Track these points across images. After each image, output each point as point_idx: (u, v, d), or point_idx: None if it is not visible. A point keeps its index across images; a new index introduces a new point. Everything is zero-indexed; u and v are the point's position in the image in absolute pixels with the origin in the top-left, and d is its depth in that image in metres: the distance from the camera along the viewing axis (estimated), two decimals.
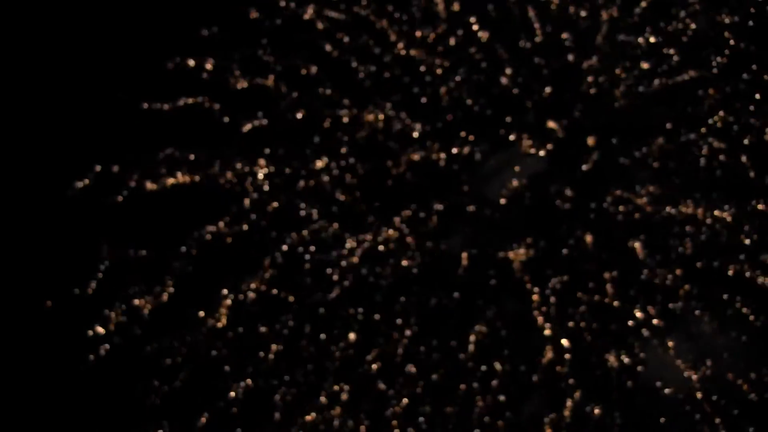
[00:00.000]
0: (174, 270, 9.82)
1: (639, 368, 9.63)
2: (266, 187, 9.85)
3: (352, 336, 10.05)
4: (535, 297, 9.79)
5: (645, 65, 9.90)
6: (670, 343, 9.62)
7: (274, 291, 9.99)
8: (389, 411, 9.95)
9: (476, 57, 10.07)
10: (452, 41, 9.98)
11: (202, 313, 9.82)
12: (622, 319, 9.81)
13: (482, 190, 10.37)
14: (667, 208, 9.90)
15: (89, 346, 9.84)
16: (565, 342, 9.63)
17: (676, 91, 9.95)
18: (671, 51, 10.07)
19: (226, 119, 9.84)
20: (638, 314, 9.77)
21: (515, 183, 10.30)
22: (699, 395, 9.46)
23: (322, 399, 9.94)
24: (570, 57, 9.98)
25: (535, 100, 10.12)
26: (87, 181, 9.71)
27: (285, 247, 10.07)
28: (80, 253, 9.72)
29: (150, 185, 9.71)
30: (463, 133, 10.14)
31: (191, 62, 9.71)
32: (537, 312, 9.72)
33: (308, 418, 9.91)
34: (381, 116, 10.04)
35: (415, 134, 10.03)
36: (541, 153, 9.95)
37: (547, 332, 9.69)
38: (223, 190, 9.93)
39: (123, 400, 9.91)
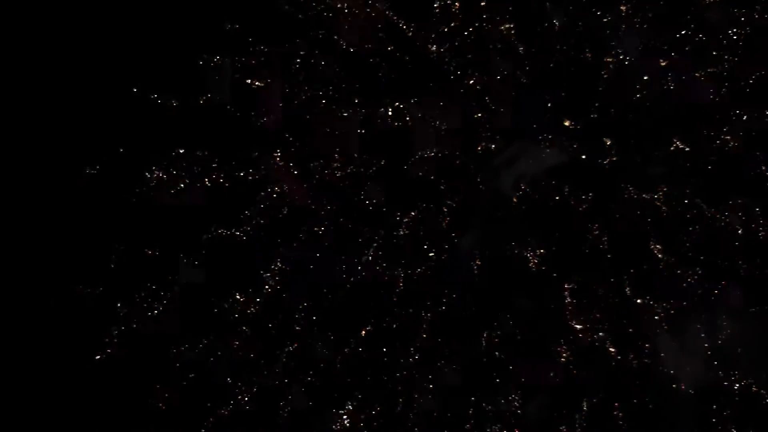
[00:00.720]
0: (184, 270, 9.67)
1: (657, 367, 9.57)
2: (283, 185, 9.69)
3: (363, 333, 9.94)
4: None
5: (662, 62, 9.78)
6: (688, 342, 9.58)
7: (284, 294, 9.84)
8: (401, 410, 9.85)
9: (493, 53, 9.92)
10: (470, 37, 9.81)
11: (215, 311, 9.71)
12: (639, 318, 9.74)
13: (497, 188, 10.23)
14: (683, 207, 9.85)
15: (95, 346, 9.68)
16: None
17: (693, 88, 9.85)
18: (687, 48, 9.98)
19: (240, 116, 9.67)
20: (655, 313, 9.69)
21: (530, 181, 10.16)
22: (714, 394, 9.46)
23: (334, 398, 9.85)
24: (588, 53, 9.85)
25: (552, 97, 9.98)
26: (93, 170, 9.54)
27: (296, 245, 9.95)
28: (88, 251, 9.56)
29: (161, 184, 9.53)
30: (482, 131, 10.00)
31: (206, 59, 9.52)
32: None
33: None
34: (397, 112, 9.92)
35: (442, 131, 9.89)
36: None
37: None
38: (235, 188, 9.76)
39: (128, 402, 9.75)
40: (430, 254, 10.14)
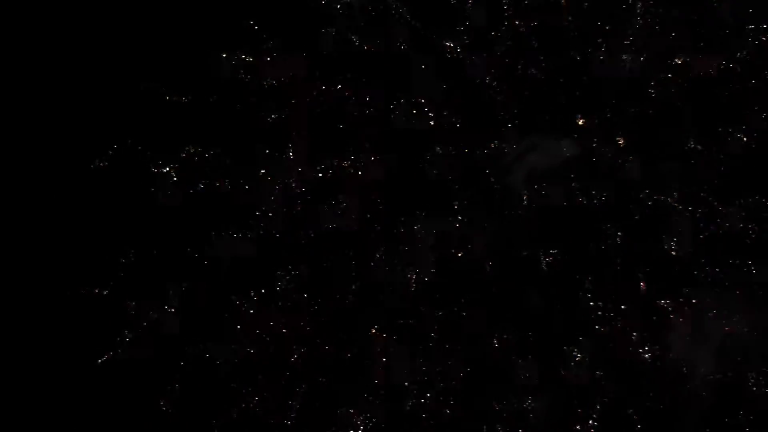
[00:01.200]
0: (194, 273, 9.59)
1: (672, 366, 9.53)
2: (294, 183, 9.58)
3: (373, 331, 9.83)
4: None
5: (679, 60, 9.69)
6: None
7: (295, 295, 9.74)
8: (411, 410, 9.74)
9: (506, 48, 9.82)
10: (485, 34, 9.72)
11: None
12: (654, 318, 9.67)
13: (508, 184, 10.09)
14: (698, 207, 9.78)
15: (103, 347, 9.57)
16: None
17: (711, 85, 9.77)
18: (702, 44, 9.90)
19: (252, 114, 9.55)
20: (670, 313, 9.63)
21: (541, 177, 10.04)
22: (731, 394, 9.46)
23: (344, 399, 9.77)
24: (603, 49, 9.74)
25: (566, 95, 9.88)
26: (103, 163, 9.38)
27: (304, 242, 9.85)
28: (98, 251, 9.43)
29: (171, 182, 9.40)
30: (495, 128, 9.88)
31: (218, 55, 9.39)
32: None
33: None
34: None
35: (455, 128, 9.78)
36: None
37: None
38: (247, 186, 9.64)
39: (137, 404, 9.68)
40: (442, 253, 10.02)
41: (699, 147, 9.84)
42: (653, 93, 9.86)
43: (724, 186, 9.80)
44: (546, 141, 9.95)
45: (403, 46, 9.74)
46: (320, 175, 9.82)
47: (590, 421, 9.64)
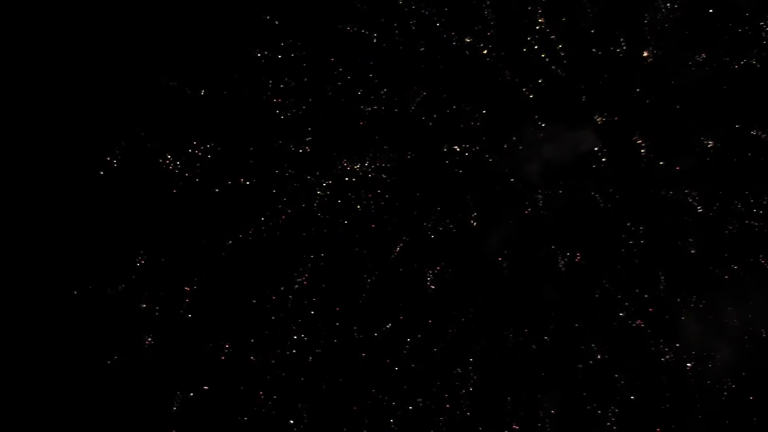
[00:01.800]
0: (204, 273, 9.48)
1: (691, 364, 9.52)
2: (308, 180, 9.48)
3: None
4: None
5: (699, 57, 9.65)
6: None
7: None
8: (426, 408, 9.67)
9: (525, 46, 9.74)
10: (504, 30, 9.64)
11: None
12: (672, 315, 9.64)
13: (523, 178, 10.00)
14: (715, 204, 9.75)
15: (106, 349, 9.43)
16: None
17: (730, 83, 9.72)
18: (723, 39, 9.86)
19: (268, 111, 9.43)
20: (688, 310, 9.60)
21: (557, 171, 9.96)
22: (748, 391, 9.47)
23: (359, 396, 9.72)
24: (623, 46, 9.68)
25: (585, 92, 9.82)
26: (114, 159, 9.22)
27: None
28: (104, 252, 9.29)
29: (182, 180, 9.28)
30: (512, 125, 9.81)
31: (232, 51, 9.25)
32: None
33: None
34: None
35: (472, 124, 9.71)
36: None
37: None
38: (262, 184, 9.54)
39: (147, 404, 9.52)
40: (457, 250, 9.93)
41: (718, 145, 9.80)
42: (672, 90, 9.81)
43: (742, 183, 9.77)
44: (562, 133, 9.88)
45: (422, 43, 9.63)
46: (337, 173, 9.69)
47: (608, 423, 9.60)
